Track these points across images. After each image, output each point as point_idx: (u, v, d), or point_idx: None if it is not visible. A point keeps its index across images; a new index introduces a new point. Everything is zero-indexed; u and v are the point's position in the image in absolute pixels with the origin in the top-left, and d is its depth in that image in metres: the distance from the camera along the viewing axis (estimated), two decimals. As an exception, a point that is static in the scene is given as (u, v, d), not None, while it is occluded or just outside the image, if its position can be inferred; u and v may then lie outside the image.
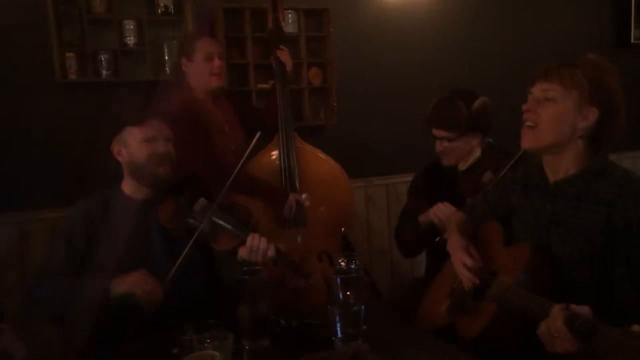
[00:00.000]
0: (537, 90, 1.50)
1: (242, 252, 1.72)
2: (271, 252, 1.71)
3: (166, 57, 2.95)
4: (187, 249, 1.67)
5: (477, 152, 2.15)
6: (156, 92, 2.61)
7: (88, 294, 1.66)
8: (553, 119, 1.47)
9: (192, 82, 2.50)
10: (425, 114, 2.18)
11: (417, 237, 2.21)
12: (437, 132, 2.15)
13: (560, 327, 1.19)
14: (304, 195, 2.60)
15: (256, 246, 1.70)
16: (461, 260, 1.66)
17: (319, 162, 2.70)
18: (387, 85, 3.45)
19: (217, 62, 2.49)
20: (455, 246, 1.72)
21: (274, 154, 2.62)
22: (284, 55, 2.68)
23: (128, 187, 1.88)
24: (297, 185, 2.59)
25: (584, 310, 1.20)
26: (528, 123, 1.51)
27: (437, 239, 2.08)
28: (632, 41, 3.99)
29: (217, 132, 2.48)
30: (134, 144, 1.81)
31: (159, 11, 2.91)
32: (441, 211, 2.05)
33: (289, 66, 2.69)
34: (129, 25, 2.84)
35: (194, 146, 2.29)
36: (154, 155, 1.79)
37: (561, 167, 1.52)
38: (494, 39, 3.68)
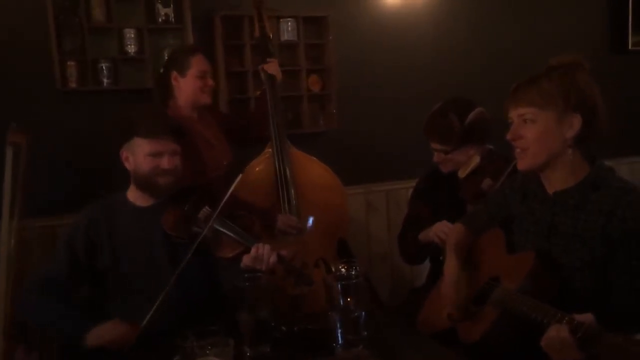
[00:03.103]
0: (514, 115, 1.51)
1: (247, 260, 1.73)
2: (273, 259, 1.72)
3: (166, 66, 2.96)
4: (189, 255, 1.68)
5: (476, 159, 2.15)
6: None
7: (66, 331, 1.72)
8: (540, 139, 1.47)
9: (181, 98, 2.45)
10: (422, 125, 2.19)
11: (419, 251, 2.21)
12: (432, 145, 2.17)
13: (564, 335, 1.19)
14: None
15: (260, 255, 1.71)
16: (446, 294, 1.69)
17: (313, 168, 2.70)
18: (387, 92, 3.46)
19: (209, 81, 2.46)
20: (447, 276, 1.74)
21: (269, 162, 2.61)
22: (272, 67, 2.64)
23: (133, 194, 1.90)
24: (293, 192, 2.59)
25: (587, 318, 1.21)
26: (517, 150, 1.52)
27: (441, 257, 2.06)
28: (629, 47, 4.01)
29: (208, 148, 2.46)
30: (140, 155, 1.82)
31: (160, 20, 2.92)
32: (442, 231, 2.03)
33: (278, 77, 2.67)
34: (130, 33, 2.85)
35: (189, 166, 2.29)
36: (158, 169, 1.81)
37: (557, 178, 1.52)
38: (492, 45, 3.69)
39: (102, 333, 1.65)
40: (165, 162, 1.81)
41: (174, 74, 2.44)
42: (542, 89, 1.45)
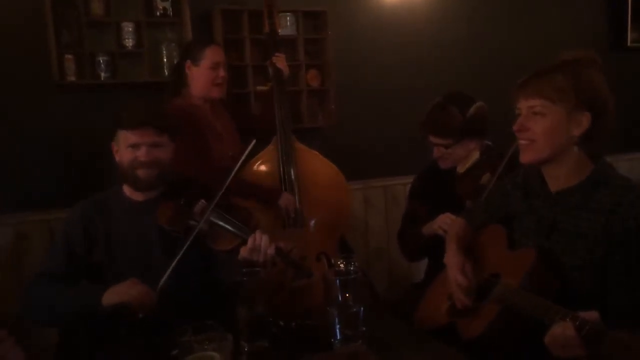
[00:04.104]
0: (523, 107, 1.49)
1: (244, 252, 1.72)
2: (271, 250, 1.71)
3: (164, 59, 2.96)
4: (184, 248, 1.66)
5: (476, 155, 2.15)
6: (156, 94, 2.63)
7: (80, 304, 1.68)
8: (547, 132, 1.45)
9: (193, 87, 2.50)
10: (420, 120, 2.18)
11: (422, 247, 2.20)
12: (433, 139, 2.16)
13: (569, 332, 1.19)
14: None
15: (258, 245, 1.70)
16: (456, 279, 1.66)
17: (317, 164, 2.71)
18: (385, 87, 3.46)
19: (222, 72, 2.50)
20: (452, 262, 1.72)
21: (273, 157, 2.62)
22: (280, 61, 2.68)
23: (128, 188, 1.89)
24: (296, 188, 2.60)
25: (592, 316, 1.20)
26: (523, 141, 1.50)
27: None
28: (628, 44, 4.01)
29: (215, 138, 2.49)
30: (123, 147, 1.82)
31: (158, 13, 2.91)
32: (445, 223, 2.03)
33: (285, 72, 2.70)
34: (128, 27, 2.85)
35: (192, 153, 2.29)
36: (135, 161, 1.80)
37: (561, 175, 1.51)
38: (491, 41, 3.69)
39: (121, 290, 1.63)
40: (142, 154, 1.80)
41: (188, 62, 2.48)
42: (556, 83, 1.43)
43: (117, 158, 1.87)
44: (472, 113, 2.09)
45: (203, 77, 2.47)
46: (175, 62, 2.76)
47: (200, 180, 1.95)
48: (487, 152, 2.15)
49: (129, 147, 1.81)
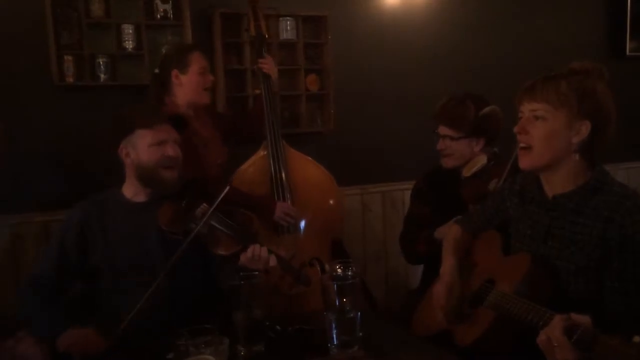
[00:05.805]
0: (526, 110, 1.51)
1: (244, 259, 1.72)
2: (272, 262, 1.71)
3: (164, 62, 2.95)
4: (181, 249, 1.65)
5: (483, 160, 2.15)
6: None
7: (41, 329, 1.62)
8: (546, 138, 1.47)
9: (181, 95, 2.46)
10: (434, 110, 2.20)
11: (433, 251, 2.19)
12: (442, 130, 2.17)
13: (559, 336, 1.18)
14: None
15: (257, 255, 1.70)
16: (438, 296, 1.70)
17: (307, 167, 2.69)
18: (384, 93, 3.46)
19: (209, 76, 2.50)
20: (444, 276, 1.74)
21: (264, 161, 2.60)
22: (266, 65, 2.65)
23: (129, 189, 1.88)
24: (288, 192, 2.59)
25: (584, 320, 1.20)
26: (522, 144, 1.51)
27: None
28: (627, 53, 4.02)
29: (203, 146, 2.47)
30: (143, 147, 1.80)
31: (158, 16, 2.91)
32: None
33: (273, 75, 2.67)
34: (128, 29, 2.85)
35: (185, 158, 2.28)
36: (164, 158, 1.79)
37: (558, 181, 1.52)
38: (491, 48, 3.70)
39: (71, 340, 1.56)
40: (170, 150, 1.80)
41: (175, 72, 2.45)
42: (560, 89, 1.45)
43: (129, 161, 1.83)
44: (486, 112, 2.13)
45: (193, 83, 2.44)
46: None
47: (202, 182, 1.95)
48: (494, 158, 2.16)
49: (152, 146, 1.79)
